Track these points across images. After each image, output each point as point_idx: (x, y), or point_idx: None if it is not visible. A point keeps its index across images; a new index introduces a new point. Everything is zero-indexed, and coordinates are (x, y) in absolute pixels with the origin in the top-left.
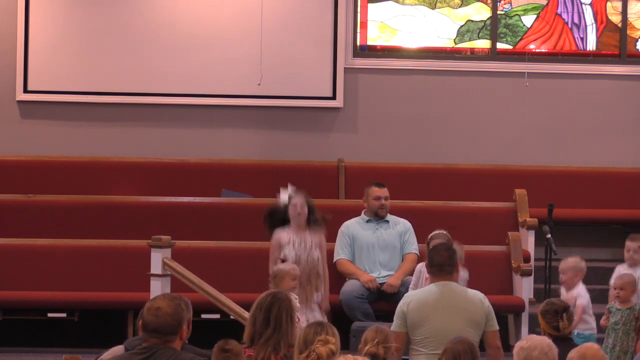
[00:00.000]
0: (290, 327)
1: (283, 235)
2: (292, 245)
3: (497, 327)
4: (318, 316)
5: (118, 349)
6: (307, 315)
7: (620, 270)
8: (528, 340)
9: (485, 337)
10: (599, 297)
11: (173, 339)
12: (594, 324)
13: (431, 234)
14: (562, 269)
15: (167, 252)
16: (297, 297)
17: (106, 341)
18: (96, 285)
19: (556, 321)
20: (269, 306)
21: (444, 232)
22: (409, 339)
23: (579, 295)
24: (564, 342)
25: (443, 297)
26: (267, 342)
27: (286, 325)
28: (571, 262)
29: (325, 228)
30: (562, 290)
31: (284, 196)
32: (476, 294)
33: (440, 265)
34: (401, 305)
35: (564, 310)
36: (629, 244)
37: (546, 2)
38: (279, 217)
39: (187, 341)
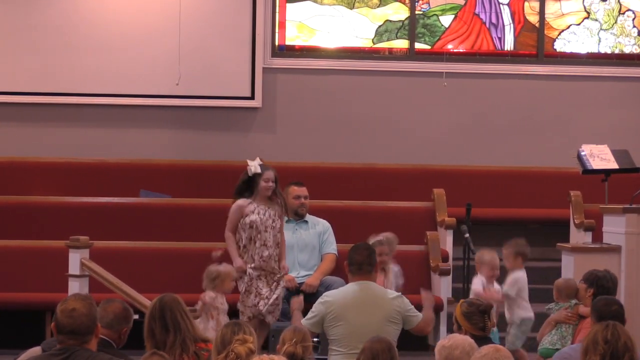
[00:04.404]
0: (189, 324)
1: (247, 204)
2: (257, 214)
3: (421, 316)
4: (279, 290)
5: (35, 350)
6: (271, 285)
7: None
8: (450, 339)
9: (416, 327)
10: None
11: (89, 339)
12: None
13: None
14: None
15: (85, 253)
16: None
17: (24, 342)
18: (14, 286)
19: (483, 322)
20: (161, 313)
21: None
22: (325, 340)
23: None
24: (485, 341)
25: (361, 296)
26: (173, 347)
27: (184, 323)
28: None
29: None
30: (481, 285)
31: (255, 167)
32: (394, 293)
33: (360, 264)
34: (320, 305)
35: (491, 309)
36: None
37: (464, 2)
38: (246, 187)
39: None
